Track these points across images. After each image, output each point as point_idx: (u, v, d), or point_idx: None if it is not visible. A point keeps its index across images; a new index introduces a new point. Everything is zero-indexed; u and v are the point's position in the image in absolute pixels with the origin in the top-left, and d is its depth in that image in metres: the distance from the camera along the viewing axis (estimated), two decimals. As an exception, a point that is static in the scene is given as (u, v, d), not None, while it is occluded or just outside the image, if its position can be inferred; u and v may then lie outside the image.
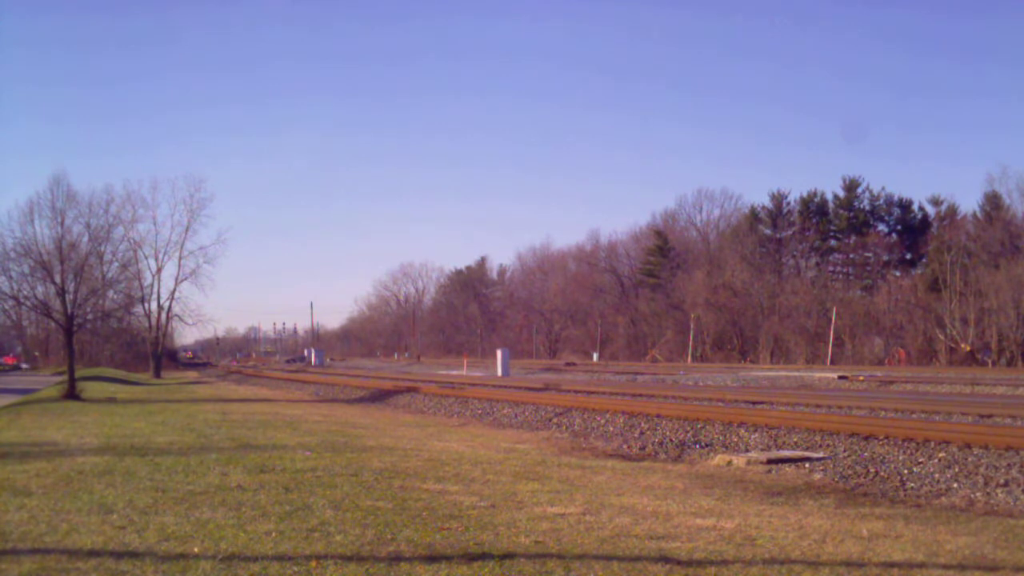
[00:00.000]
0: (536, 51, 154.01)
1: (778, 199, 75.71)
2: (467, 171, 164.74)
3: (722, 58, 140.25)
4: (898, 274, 65.18)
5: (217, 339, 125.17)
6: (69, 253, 28.62)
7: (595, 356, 71.47)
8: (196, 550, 5.60)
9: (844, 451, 11.55)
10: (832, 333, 56.67)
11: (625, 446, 13.65)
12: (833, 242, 74.57)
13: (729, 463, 10.95)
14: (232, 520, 6.55)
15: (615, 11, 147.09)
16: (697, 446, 13.08)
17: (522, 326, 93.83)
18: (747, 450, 12.28)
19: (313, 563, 5.30)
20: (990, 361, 49.66)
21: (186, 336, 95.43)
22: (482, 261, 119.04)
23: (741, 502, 8.03)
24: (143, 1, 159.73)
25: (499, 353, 41.65)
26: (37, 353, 71.40)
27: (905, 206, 72.85)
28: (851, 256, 73.18)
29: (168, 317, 59.43)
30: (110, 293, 50.86)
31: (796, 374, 37.40)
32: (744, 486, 9.13)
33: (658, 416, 15.97)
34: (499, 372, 39.91)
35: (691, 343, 66.52)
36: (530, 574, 5.16)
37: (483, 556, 5.52)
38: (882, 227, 72.83)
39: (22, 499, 7.50)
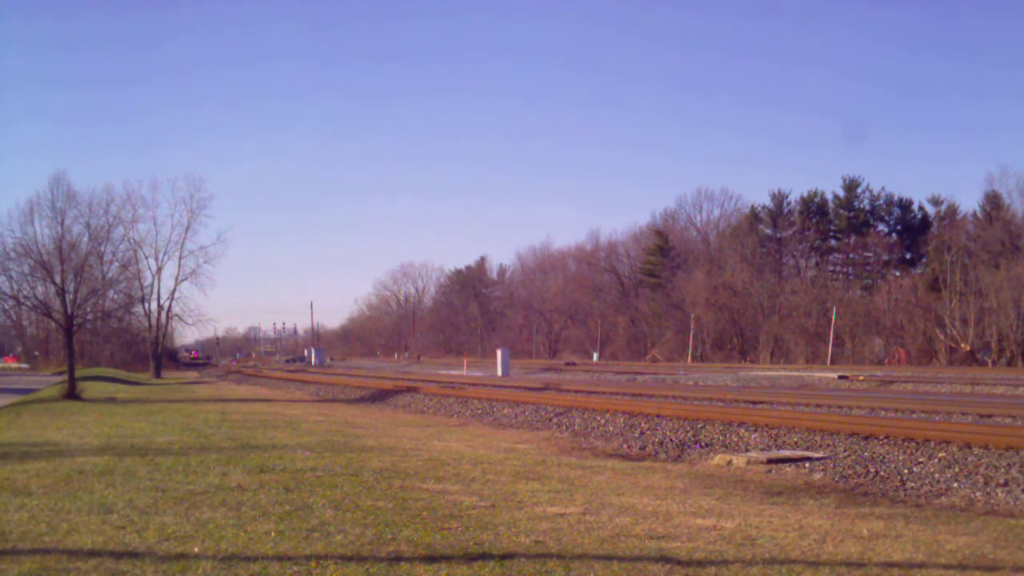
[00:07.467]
0: (537, 51, 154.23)
1: (778, 199, 75.74)
2: (467, 171, 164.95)
3: (722, 58, 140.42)
4: (898, 274, 65.11)
5: (217, 339, 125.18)
6: (69, 253, 28.69)
7: (595, 356, 71.47)
8: (196, 550, 5.60)
9: (844, 451, 11.54)
10: (832, 333, 56.64)
11: (625, 446, 13.64)
12: (833, 242, 74.58)
13: (729, 463, 10.94)
14: (232, 520, 6.56)
15: (615, 11, 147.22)
16: (697, 446, 13.07)
17: (522, 326, 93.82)
18: (747, 450, 12.28)
19: (313, 563, 5.30)
20: (990, 361, 49.62)
21: (186, 336, 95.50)
22: (482, 261, 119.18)
23: (741, 502, 8.02)
24: (142, 1, 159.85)
25: (499, 353, 41.66)
26: (37, 353, 71.37)
27: (905, 206, 72.90)
28: (851, 256, 73.19)
29: (168, 317, 59.65)
30: (110, 293, 51.02)
31: (796, 374, 37.38)
32: (744, 486, 9.12)
33: (658, 416, 15.96)
34: (499, 372, 39.90)
35: (691, 343, 66.50)
36: (530, 574, 5.16)
37: (483, 556, 5.52)
38: (882, 227, 72.87)
39: (22, 499, 7.51)
